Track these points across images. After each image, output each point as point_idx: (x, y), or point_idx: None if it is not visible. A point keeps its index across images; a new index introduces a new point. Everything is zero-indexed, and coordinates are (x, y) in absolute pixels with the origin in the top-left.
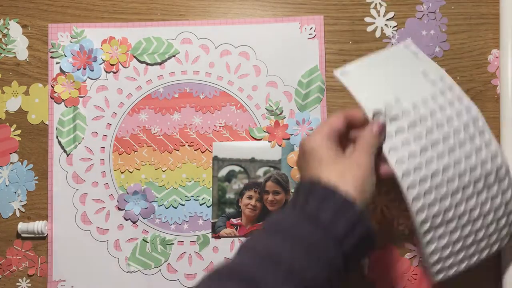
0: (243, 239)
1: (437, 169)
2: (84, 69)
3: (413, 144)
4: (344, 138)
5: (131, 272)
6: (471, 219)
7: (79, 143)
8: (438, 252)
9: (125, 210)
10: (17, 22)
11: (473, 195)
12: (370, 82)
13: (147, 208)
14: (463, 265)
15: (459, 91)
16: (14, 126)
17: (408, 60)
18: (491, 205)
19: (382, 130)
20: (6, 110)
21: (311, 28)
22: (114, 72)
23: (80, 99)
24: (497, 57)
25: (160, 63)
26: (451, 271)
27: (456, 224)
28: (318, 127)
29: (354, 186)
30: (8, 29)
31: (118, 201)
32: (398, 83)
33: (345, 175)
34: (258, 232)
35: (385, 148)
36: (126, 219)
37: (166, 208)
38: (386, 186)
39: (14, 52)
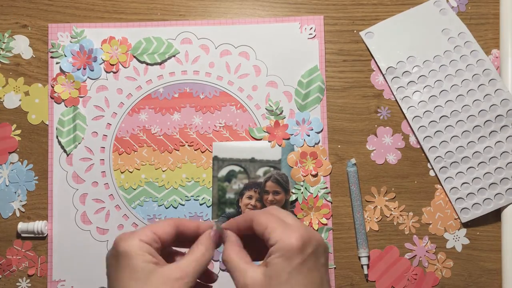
0: None
1: (445, 114)
2: (84, 69)
3: (423, 94)
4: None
5: None
6: (487, 158)
7: (79, 143)
8: (459, 190)
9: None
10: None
11: (486, 136)
12: (389, 41)
13: None
14: (490, 206)
15: (476, 46)
16: (14, 126)
17: (432, 17)
18: (508, 146)
19: (217, 238)
20: (6, 108)
21: (311, 28)
22: (114, 72)
23: (80, 99)
24: (497, 57)
25: (160, 63)
26: (478, 212)
27: (472, 163)
28: (141, 229)
29: None
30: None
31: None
32: (415, 42)
33: None
34: None
35: (399, 97)
36: (223, 270)
37: (166, 208)
38: (386, 186)
39: (14, 52)
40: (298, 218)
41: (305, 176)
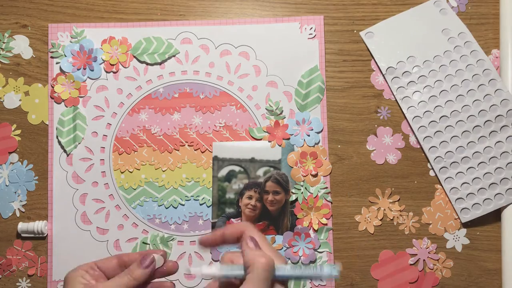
0: None
1: (445, 114)
2: (84, 69)
3: (423, 94)
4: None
5: None
6: (487, 158)
7: (79, 143)
8: (459, 190)
9: None
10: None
11: (486, 136)
12: (389, 41)
13: None
14: (490, 206)
15: (476, 46)
16: (14, 126)
17: (432, 17)
18: (508, 146)
19: (149, 262)
20: (6, 108)
21: (311, 28)
22: (114, 72)
23: (80, 99)
24: (497, 57)
25: (160, 63)
26: (478, 212)
27: (472, 163)
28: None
29: None
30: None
31: (211, 253)
32: (414, 42)
33: None
34: None
35: (399, 97)
36: None
37: (166, 208)
38: (389, 187)
39: (14, 52)
40: (298, 218)
41: (305, 176)
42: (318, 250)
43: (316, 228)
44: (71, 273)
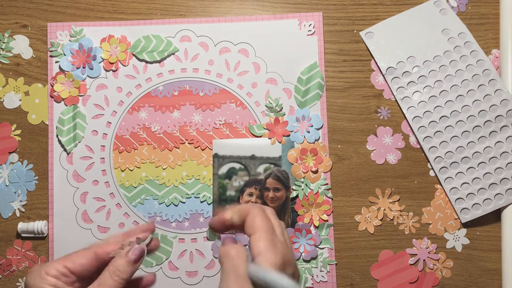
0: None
1: (445, 114)
2: (84, 67)
3: (422, 94)
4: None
5: None
6: (487, 158)
7: (79, 142)
8: (458, 190)
9: None
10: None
11: (486, 136)
12: (389, 41)
13: None
14: (490, 206)
15: (476, 46)
16: (14, 126)
17: (432, 17)
18: (508, 146)
19: (139, 257)
20: (6, 108)
21: (310, 24)
22: (114, 71)
23: (80, 98)
24: (497, 57)
25: (159, 61)
26: (478, 212)
27: (472, 163)
28: (51, 262)
29: None
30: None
31: (212, 250)
32: (414, 42)
33: None
34: None
35: (399, 97)
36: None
37: (167, 206)
38: (389, 187)
39: (14, 52)
40: (299, 215)
41: (305, 173)
42: (319, 246)
43: (317, 225)
44: (37, 282)
